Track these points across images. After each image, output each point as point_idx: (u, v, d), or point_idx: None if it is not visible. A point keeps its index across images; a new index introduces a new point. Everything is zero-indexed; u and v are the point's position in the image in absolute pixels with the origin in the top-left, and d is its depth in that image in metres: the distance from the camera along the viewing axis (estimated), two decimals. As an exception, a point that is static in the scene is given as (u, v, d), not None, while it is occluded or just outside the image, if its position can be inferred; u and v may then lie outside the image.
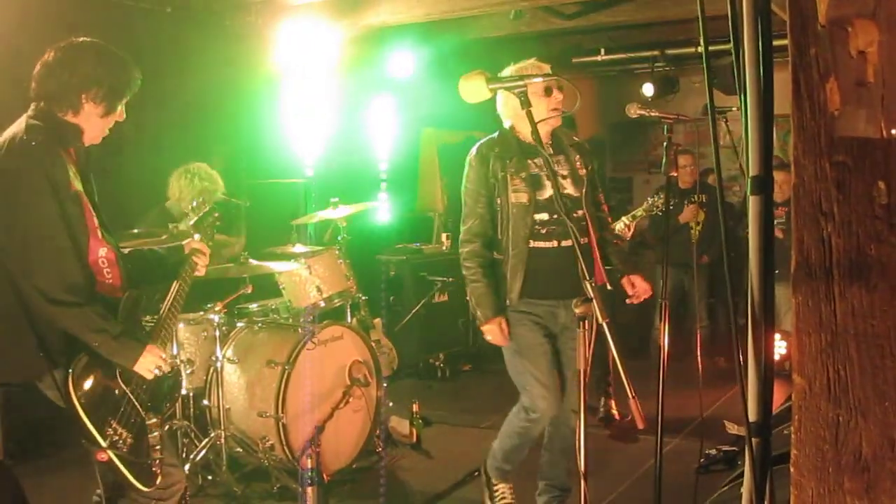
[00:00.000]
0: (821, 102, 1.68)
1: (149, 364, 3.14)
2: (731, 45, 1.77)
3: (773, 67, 1.74)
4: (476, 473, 5.09)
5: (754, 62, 1.72)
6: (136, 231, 4.92)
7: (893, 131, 1.55)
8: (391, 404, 6.06)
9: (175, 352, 4.87)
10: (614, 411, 6.36)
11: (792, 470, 1.77)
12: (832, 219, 1.69)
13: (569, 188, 4.15)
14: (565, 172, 4.18)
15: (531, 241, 4.08)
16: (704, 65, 1.84)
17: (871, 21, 1.49)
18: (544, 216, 4.09)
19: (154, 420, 3.13)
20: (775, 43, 1.72)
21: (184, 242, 3.59)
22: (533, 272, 4.08)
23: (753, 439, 1.74)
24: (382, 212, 8.91)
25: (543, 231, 4.09)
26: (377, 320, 6.83)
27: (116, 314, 3.12)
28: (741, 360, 1.74)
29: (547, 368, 4.15)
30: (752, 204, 1.73)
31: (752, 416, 1.72)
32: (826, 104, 1.66)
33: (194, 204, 3.96)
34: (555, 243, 4.10)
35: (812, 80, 1.69)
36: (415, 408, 5.93)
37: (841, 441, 1.71)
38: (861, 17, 1.49)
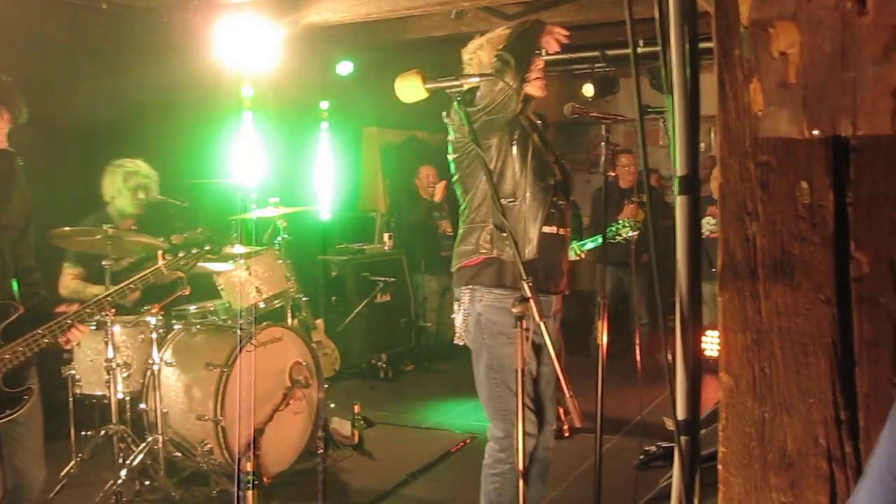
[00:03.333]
0: (745, 103, 1.70)
1: None
2: (659, 47, 1.78)
3: (699, 69, 1.76)
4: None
5: (681, 64, 1.74)
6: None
7: (815, 132, 1.56)
8: (333, 405, 6.02)
9: (111, 355, 4.80)
10: (565, 426, 6.20)
11: (720, 467, 1.79)
12: (757, 218, 1.71)
13: (557, 174, 3.83)
14: (551, 158, 3.86)
15: (545, 223, 3.70)
16: (633, 67, 1.85)
17: (791, 23, 1.51)
18: (551, 182, 3.74)
19: None
20: (705, 45, 1.74)
21: (62, 308, 3.48)
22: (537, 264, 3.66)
23: (682, 437, 1.76)
24: (324, 212, 8.86)
25: (550, 206, 3.72)
26: (319, 321, 6.80)
27: None
28: (669, 359, 1.76)
29: (532, 388, 3.79)
30: (680, 204, 1.74)
31: (680, 415, 1.74)
32: (750, 105, 1.68)
33: (186, 234, 3.88)
34: (555, 229, 3.75)
35: (737, 80, 1.71)
36: (356, 409, 5.90)
37: (767, 438, 1.73)
38: (782, 19, 1.51)
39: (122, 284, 3.60)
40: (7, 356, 3.20)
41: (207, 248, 3.85)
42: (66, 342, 3.40)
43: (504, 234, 3.59)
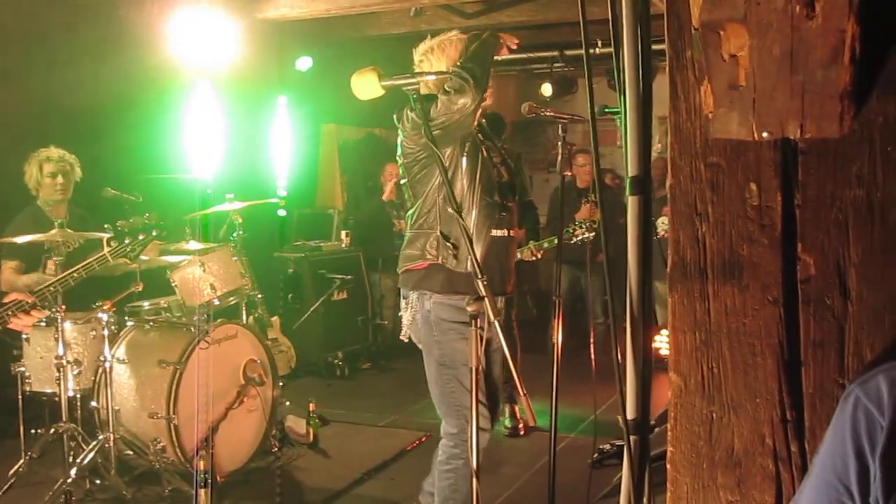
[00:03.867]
0: (696, 104, 1.71)
1: None
2: (612, 48, 1.79)
3: (651, 70, 1.76)
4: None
5: (634, 65, 1.74)
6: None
7: (765, 134, 1.58)
8: (288, 403, 5.99)
9: (61, 352, 4.73)
10: (520, 425, 6.22)
11: (668, 466, 1.80)
12: (706, 219, 1.72)
13: (504, 175, 3.87)
14: (497, 160, 3.89)
15: (493, 229, 3.72)
16: (585, 67, 1.85)
17: (742, 25, 1.52)
18: (497, 199, 3.77)
19: None
20: (660, 47, 1.75)
21: (8, 296, 3.40)
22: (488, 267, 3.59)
23: (632, 437, 1.76)
24: (280, 208, 8.80)
25: (497, 217, 3.75)
26: (275, 318, 6.75)
27: None
28: (619, 358, 1.76)
29: (483, 384, 3.71)
30: (631, 204, 1.75)
31: (629, 415, 1.74)
32: (701, 106, 1.69)
33: (133, 219, 3.80)
34: (505, 232, 3.80)
35: (688, 82, 1.72)
36: (311, 407, 5.87)
37: (714, 437, 1.75)
38: (732, 21, 1.52)
39: (65, 273, 3.52)
40: None
41: (155, 233, 3.78)
42: (23, 327, 3.33)
43: (448, 243, 3.62)
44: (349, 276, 8.20)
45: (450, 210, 3.52)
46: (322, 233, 9.09)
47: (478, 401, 2.99)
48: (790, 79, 1.51)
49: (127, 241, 3.69)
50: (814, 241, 1.65)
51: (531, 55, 9.46)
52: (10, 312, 3.24)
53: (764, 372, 1.69)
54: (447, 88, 3.54)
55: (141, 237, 3.72)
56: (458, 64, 3.60)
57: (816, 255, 1.64)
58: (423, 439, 5.97)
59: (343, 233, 8.78)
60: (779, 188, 1.66)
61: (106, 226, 3.78)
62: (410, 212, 3.81)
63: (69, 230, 4.73)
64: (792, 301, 1.66)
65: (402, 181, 3.85)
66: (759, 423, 1.70)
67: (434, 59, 3.78)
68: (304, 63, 8.57)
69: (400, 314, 3.94)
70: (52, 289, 3.43)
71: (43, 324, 4.82)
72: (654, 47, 1.77)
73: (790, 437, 1.68)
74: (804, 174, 1.65)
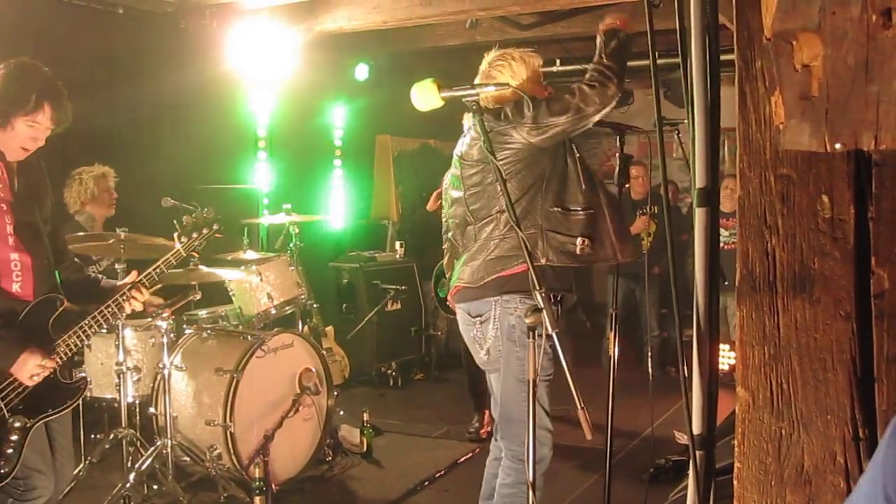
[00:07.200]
0: (766, 115, 1.69)
1: (26, 370, 3.15)
2: (680, 58, 1.77)
3: (720, 81, 1.74)
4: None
5: (702, 75, 1.72)
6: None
7: (837, 145, 1.55)
8: (342, 413, 6.01)
9: (121, 358, 4.80)
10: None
11: (735, 483, 1.77)
12: (776, 232, 1.70)
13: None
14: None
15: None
16: (653, 77, 1.83)
17: (815, 35, 1.49)
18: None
19: (17, 423, 3.16)
20: (725, 58, 1.72)
21: (126, 280, 3.56)
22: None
23: (697, 452, 1.73)
24: (336, 219, 8.86)
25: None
26: (329, 328, 6.80)
27: (13, 318, 3.19)
28: (685, 372, 1.74)
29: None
30: (699, 216, 1.72)
31: (696, 430, 1.72)
32: (771, 117, 1.66)
33: (195, 215, 3.88)
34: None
35: (758, 92, 1.69)
36: (365, 417, 5.89)
37: (783, 454, 1.71)
38: (806, 31, 1.50)
39: (149, 270, 3.61)
40: (62, 349, 3.26)
41: (216, 226, 3.87)
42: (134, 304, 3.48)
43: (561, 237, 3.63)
44: (403, 287, 8.22)
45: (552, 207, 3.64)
46: (376, 243, 9.14)
47: (536, 414, 2.98)
48: (865, 89, 1.48)
49: (195, 235, 3.78)
50: (888, 254, 1.61)
51: (586, 66, 9.39)
52: (123, 297, 3.38)
53: (835, 388, 1.66)
54: (590, 81, 3.58)
55: (205, 231, 3.82)
56: (597, 61, 3.62)
57: (891, 269, 1.61)
58: (477, 451, 5.95)
59: (397, 243, 8.80)
60: (852, 200, 1.63)
61: (174, 221, 3.87)
62: (486, 219, 3.73)
63: (136, 235, 4.84)
64: (865, 316, 1.63)
65: (471, 192, 3.80)
66: (831, 441, 1.66)
67: (507, 70, 3.78)
68: (362, 71, 8.62)
69: (473, 333, 3.79)
70: (143, 281, 3.55)
71: (104, 330, 4.90)
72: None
73: (863, 455, 1.64)
74: (878, 186, 1.61)
